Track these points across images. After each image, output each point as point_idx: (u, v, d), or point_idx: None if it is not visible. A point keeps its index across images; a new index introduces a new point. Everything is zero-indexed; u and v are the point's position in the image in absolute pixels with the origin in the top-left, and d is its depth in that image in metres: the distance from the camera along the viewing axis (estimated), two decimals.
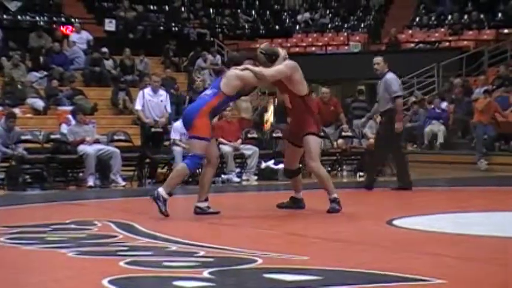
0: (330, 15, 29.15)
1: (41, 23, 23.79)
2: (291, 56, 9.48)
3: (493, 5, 25.55)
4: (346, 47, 25.88)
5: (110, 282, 4.99)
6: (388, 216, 8.36)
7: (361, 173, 15.00)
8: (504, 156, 17.72)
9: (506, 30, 24.28)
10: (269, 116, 24.05)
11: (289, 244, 6.89)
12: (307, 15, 28.80)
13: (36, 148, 14.00)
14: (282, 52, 8.96)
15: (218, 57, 23.45)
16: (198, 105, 8.70)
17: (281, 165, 14.52)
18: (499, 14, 25.25)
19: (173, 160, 13.72)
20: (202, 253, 6.11)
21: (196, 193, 8.87)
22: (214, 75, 22.10)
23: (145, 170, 14.27)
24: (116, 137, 14.61)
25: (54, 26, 23.59)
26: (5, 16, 23.52)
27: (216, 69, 22.21)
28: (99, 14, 25.40)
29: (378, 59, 11.94)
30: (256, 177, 14.68)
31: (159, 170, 14.37)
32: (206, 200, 8.77)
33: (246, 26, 28.51)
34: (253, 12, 29.68)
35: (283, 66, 8.78)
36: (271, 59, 8.82)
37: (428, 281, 4.97)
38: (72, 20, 23.97)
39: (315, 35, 27.53)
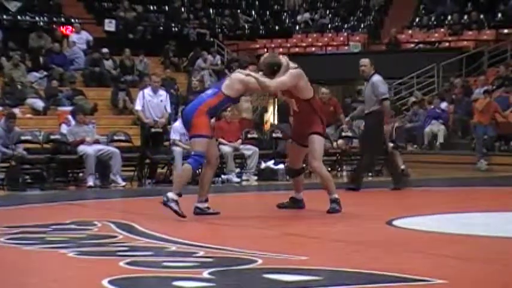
0: (330, 15, 29.11)
1: (41, 23, 23.79)
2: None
3: (493, 5, 25.51)
4: (346, 47, 25.85)
5: (110, 282, 4.99)
6: (388, 216, 8.36)
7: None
8: (504, 157, 17.71)
9: (506, 31, 24.26)
10: (269, 116, 24.06)
11: (289, 244, 6.88)
12: (307, 15, 28.77)
13: (36, 148, 13.99)
14: (284, 60, 8.82)
15: (218, 57, 23.44)
16: (195, 104, 8.71)
17: (281, 166, 14.56)
18: (499, 14, 25.22)
19: (173, 160, 13.72)
20: (201, 253, 6.11)
21: (196, 193, 8.87)
22: (214, 75, 22.12)
23: (145, 170, 14.29)
24: (115, 137, 14.59)
25: (54, 26, 23.58)
26: (5, 16, 23.52)
27: (216, 70, 22.25)
28: (99, 15, 25.38)
29: (365, 61, 11.93)
30: (256, 178, 14.67)
31: (159, 170, 14.39)
32: (206, 200, 8.77)
33: (246, 26, 28.47)
34: (253, 12, 29.65)
35: (287, 77, 8.68)
36: (272, 70, 8.73)
37: (429, 281, 4.97)
38: (72, 20, 23.97)
39: (314, 35, 27.49)
